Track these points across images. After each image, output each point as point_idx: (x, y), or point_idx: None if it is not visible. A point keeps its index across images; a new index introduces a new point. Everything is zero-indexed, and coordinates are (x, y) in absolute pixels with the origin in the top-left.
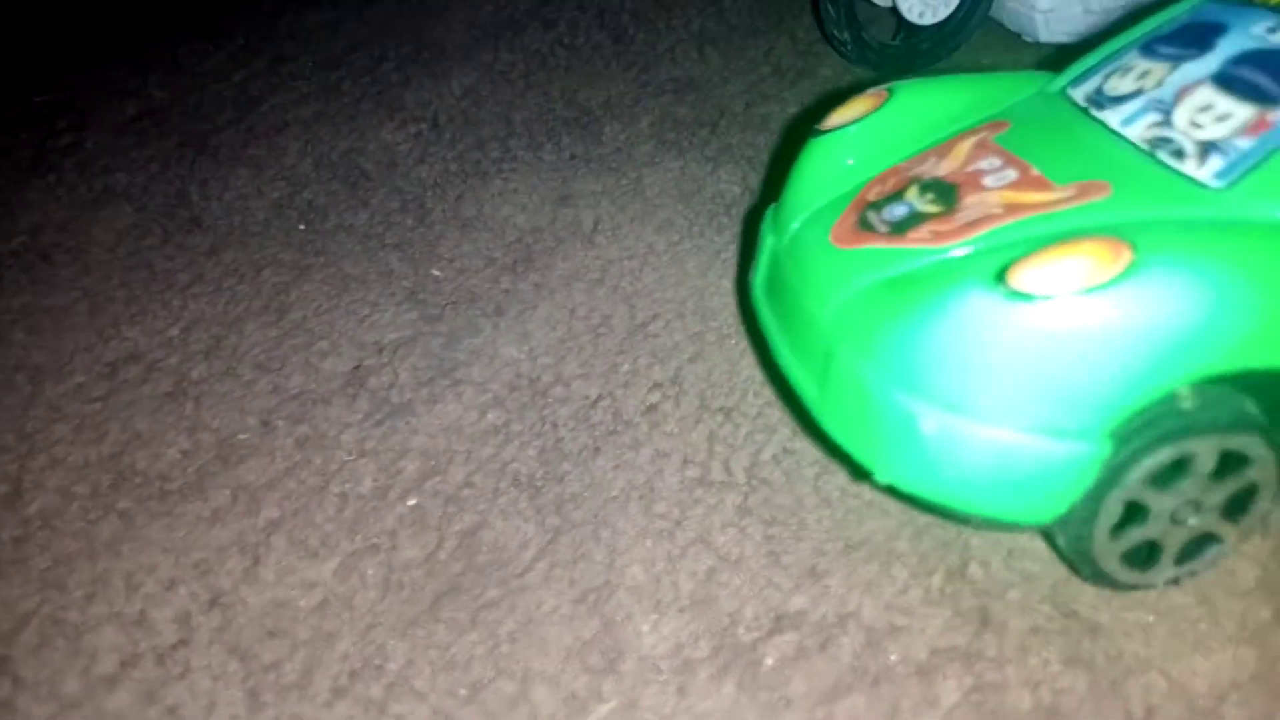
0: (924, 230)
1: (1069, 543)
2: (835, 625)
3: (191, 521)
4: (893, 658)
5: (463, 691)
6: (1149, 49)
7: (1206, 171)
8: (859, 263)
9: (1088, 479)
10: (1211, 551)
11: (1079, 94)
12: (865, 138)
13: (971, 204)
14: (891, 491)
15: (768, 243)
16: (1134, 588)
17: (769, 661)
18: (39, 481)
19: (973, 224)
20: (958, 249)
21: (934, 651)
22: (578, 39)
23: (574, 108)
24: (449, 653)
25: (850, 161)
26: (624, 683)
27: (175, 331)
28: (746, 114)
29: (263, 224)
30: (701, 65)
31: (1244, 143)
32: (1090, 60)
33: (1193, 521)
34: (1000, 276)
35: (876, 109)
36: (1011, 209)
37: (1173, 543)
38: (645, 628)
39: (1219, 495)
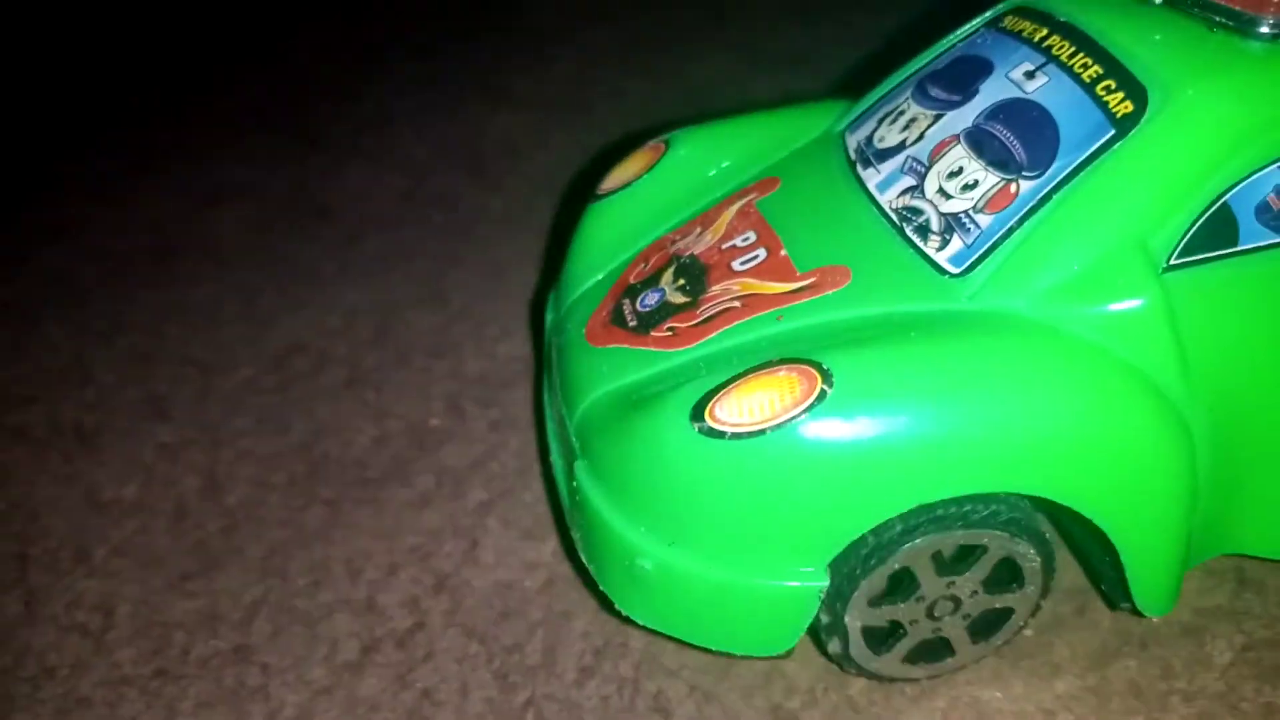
0: (666, 327)
1: (823, 621)
2: (1089, 591)
3: (399, 507)
4: (1154, 620)
5: (715, 666)
6: (921, 89)
7: (946, 254)
8: (606, 364)
9: (808, 612)
10: (939, 663)
11: (851, 143)
12: (643, 199)
13: (716, 293)
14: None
15: (547, 324)
16: (858, 667)
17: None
18: (232, 473)
19: (709, 322)
20: (686, 355)
21: (1197, 612)
22: (674, 18)
23: (680, 87)
24: None
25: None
26: None
27: (336, 321)
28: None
29: (396, 214)
30: (809, 38)
31: (985, 220)
32: (872, 97)
33: (944, 620)
34: (696, 411)
35: (652, 166)
36: (749, 303)
37: (914, 636)
38: None
39: (978, 606)
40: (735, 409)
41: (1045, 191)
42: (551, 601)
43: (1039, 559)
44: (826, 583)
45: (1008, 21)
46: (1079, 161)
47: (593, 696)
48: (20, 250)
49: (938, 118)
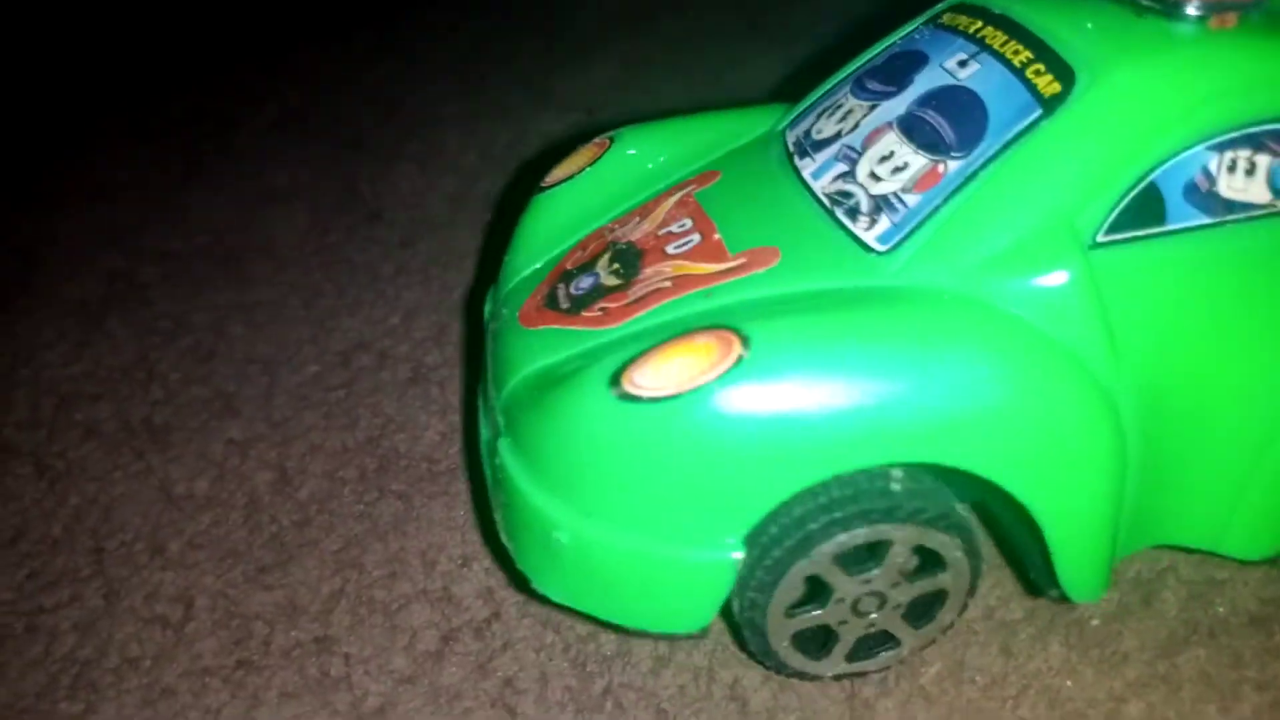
0: (598, 307)
1: (742, 610)
2: (1154, 581)
3: (469, 500)
4: (1220, 610)
5: None
6: (859, 84)
7: (874, 233)
8: (536, 345)
9: (724, 585)
10: (888, 653)
11: (791, 137)
12: (586, 193)
13: (648, 276)
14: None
15: (485, 313)
16: (801, 675)
17: (1094, 621)
18: (303, 468)
19: (640, 301)
20: (614, 333)
21: (1264, 602)
22: (711, 25)
23: (721, 89)
24: None
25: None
26: (941, 646)
27: (396, 320)
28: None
29: (447, 216)
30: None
31: (913, 199)
32: (812, 96)
33: (874, 616)
34: (614, 378)
35: (597, 160)
36: (679, 283)
37: (849, 635)
38: None
39: (907, 594)
40: (653, 374)
41: (972, 170)
42: None
43: (957, 540)
44: (743, 554)
45: (945, 18)
46: (1005, 140)
47: (669, 685)
48: (82, 251)
49: (872, 108)
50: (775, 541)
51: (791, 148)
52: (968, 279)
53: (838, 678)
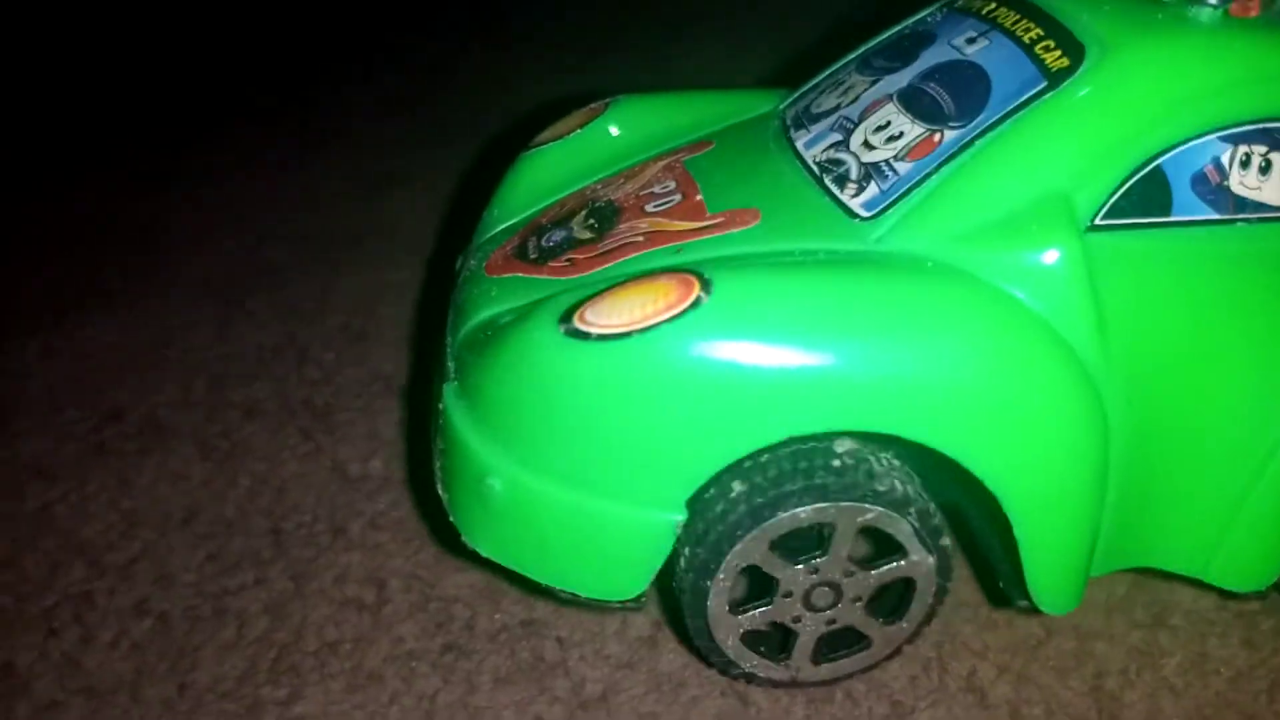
0: (565, 259)
1: (682, 596)
2: None
3: None
4: None
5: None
6: (865, 62)
7: (860, 200)
8: (496, 291)
9: (660, 550)
10: (860, 652)
11: (789, 114)
12: (574, 155)
13: (622, 231)
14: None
15: (457, 267)
16: (755, 679)
17: None
18: None
19: (608, 254)
20: (577, 281)
21: None
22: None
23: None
24: None
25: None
26: (1179, 636)
27: None
28: None
29: None
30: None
31: (904, 167)
32: (817, 77)
33: (831, 611)
34: (565, 315)
35: (589, 124)
36: (652, 239)
37: (807, 633)
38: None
39: (864, 585)
40: (606, 311)
41: (967, 139)
42: None
43: (910, 519)
44: (684, 517)
45: (961, 3)
46: (1006, 111)
47: (899, 677)
48: (204, 232)
49: (874, 82)
50: (716, 517)
51: (789, 121)
52: (954, 249)
53: (804, 685)
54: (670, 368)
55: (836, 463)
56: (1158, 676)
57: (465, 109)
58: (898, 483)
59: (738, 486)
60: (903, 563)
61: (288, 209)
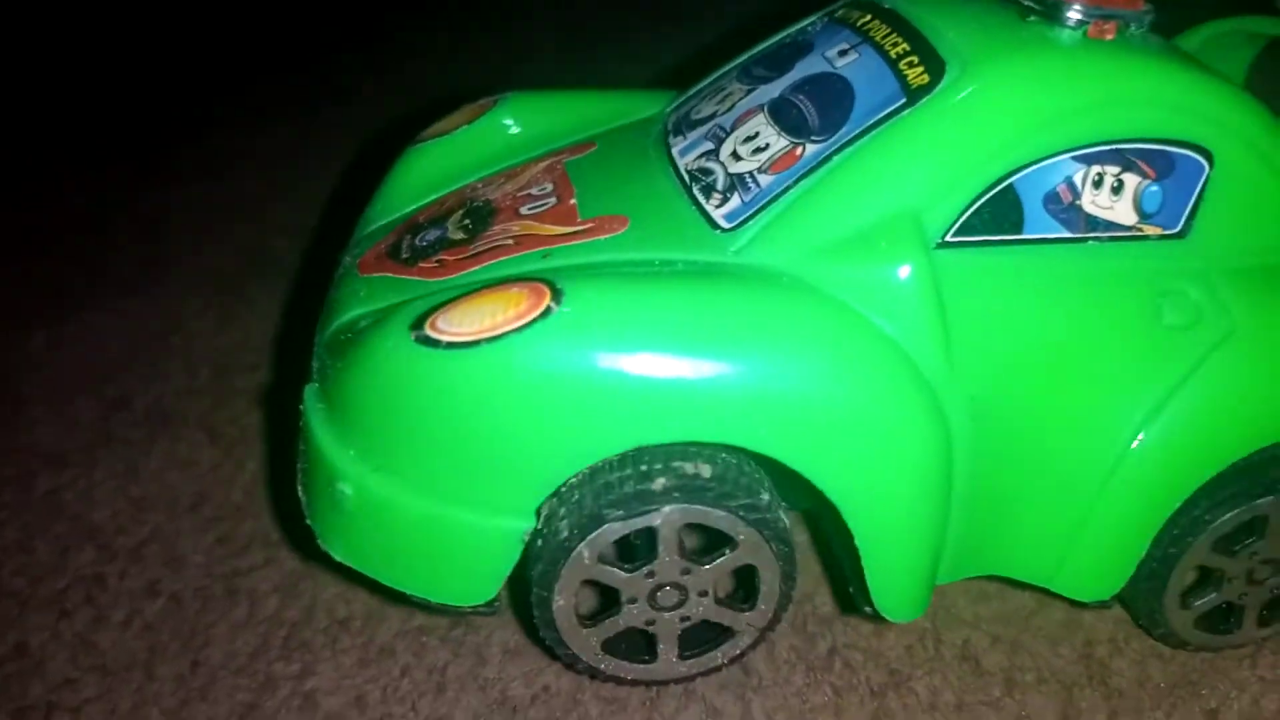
0: (435, 260)
1: (538, 619)
2: None
3: None
4: None
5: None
6: (746, 70)
7: (723, 211)
8: (364, 291)
9: (508, 557)
10: (727, 645)
11: (671, 119)
12: (460, 151)
13: (495, 233)
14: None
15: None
16: (637, 682)
17: None
18: None
19: (477, 256)
20: (442, 284)
21: None
22: None
23: None
24: None
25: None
26: None
27: None
28: None
29: None
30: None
31: (766, 180)
32: (704, 81)
33: (684, 610)
34: (418, 321)
35: (476, 120)
36: (522, 242)
37: (666, 632)
38: None
39: (706, 579)
40: (457, 319)
41: (826, 154)
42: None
43: (724, 508)
44: (532, 525)
45: (840, 13)
46: (865, 127)
47: (895, 646)
48: (208, 223)
49: (749, 91)
50: (555, 530)
51: (669, 126)
52: (807, 263)
53: (670, 682)
54: (517, 377)
55: (644, 467)
56: (1145, 644)
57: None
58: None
59: (569, 500)
60: (733, 551)
61: (290, 202)
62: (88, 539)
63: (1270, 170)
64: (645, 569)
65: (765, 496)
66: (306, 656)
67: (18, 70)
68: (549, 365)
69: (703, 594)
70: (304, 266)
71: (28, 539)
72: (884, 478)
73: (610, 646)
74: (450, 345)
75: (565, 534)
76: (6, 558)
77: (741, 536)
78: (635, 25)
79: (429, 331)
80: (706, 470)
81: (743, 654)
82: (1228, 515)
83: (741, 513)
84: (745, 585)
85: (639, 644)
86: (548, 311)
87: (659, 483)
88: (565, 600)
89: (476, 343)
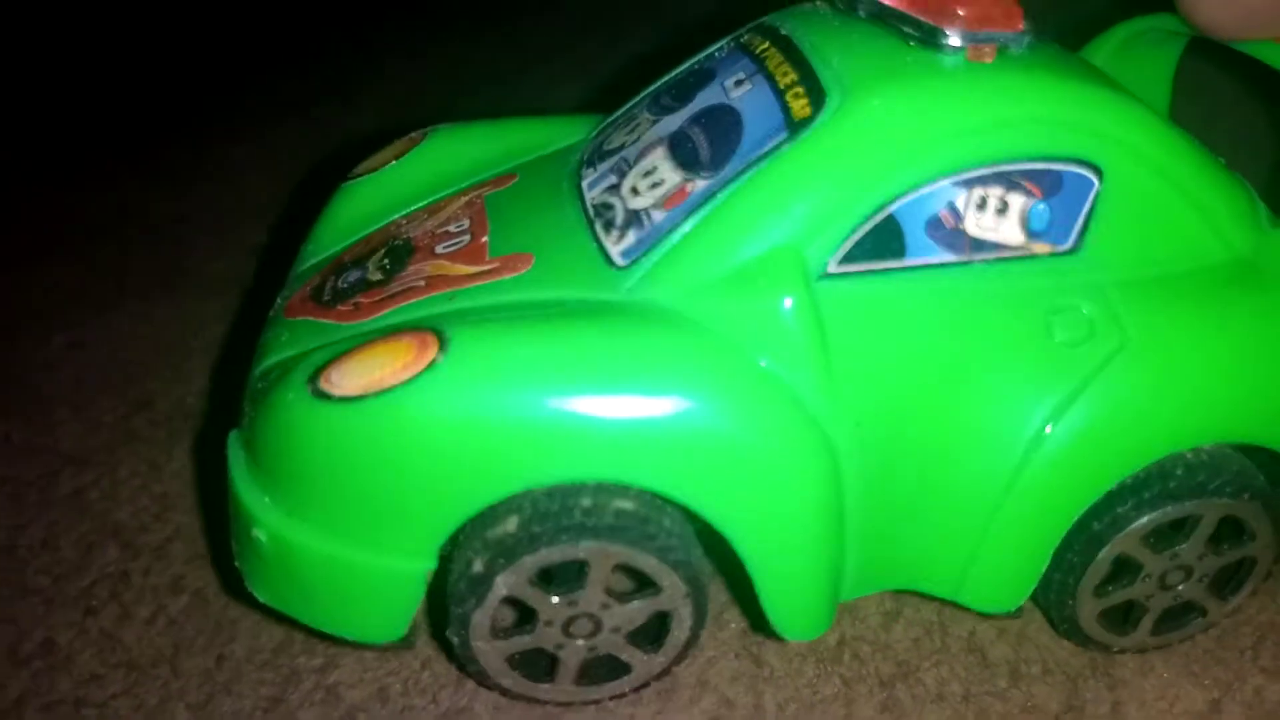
0: (352, 302)
1: (452, 621)
2: None
3: None
4: None
5: None
6: (656, 99)
7: (620, 248)
8: (285, 336)
9: (414, 595)
10: (621, 678)
11: (587, 150)
12: (390, 186)
13: (410, 274)
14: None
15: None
16: (524, 698)
17: None
18: None
19: (391, 298)
20: (354, 329)
21: None
22: None
23: None
24: None
25: None
26: None
27: None
28: None
29: None
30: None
31: (659, 215)
32: (620, 110)
33: (591, 639)
34: (314, 375)
35: (404, 154)
36: (432, 283)
37: (571, 658)
38: None
39: (621, 616)
40: (348, 373)
41: (712, 191)
42: None
43: (654, 554)
44: (433, 566)
45: (744, 38)
46: (749, 162)
47: (902, 639)
48: (219, 228)
49: (654, 123)
50: (479, 548)
51: (584, 158)
52: (693, 300)
53: (561, 704)
54: (405, 428)
55: (587, 502)
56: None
57: (484, 110)
58: (644, 523)
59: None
60: (657, 597)
61: (300, 203)
62: (112, 537)
63: (1164, 180)
64: (569, 597)
65: (690, 547)
66: (329, 650)
67: (38, 74)
68: (434, 415)
69: (615, 629)
70: None
71: (53, 538)
72: (767, 509)
73: (514, 661)
74: (342, 399)
75: (481, 568)
76: (32, 556)
77: (665, 583)
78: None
79: (322, 385)
80: (629, 506)
81: (633, 690)
82: (1153, 514)
83: (672, 562)
84: (656, 627)
85: (540, 664)
86: (433, 363)
87: (591, 519)
88: (483, 616)
89: (363, 396)
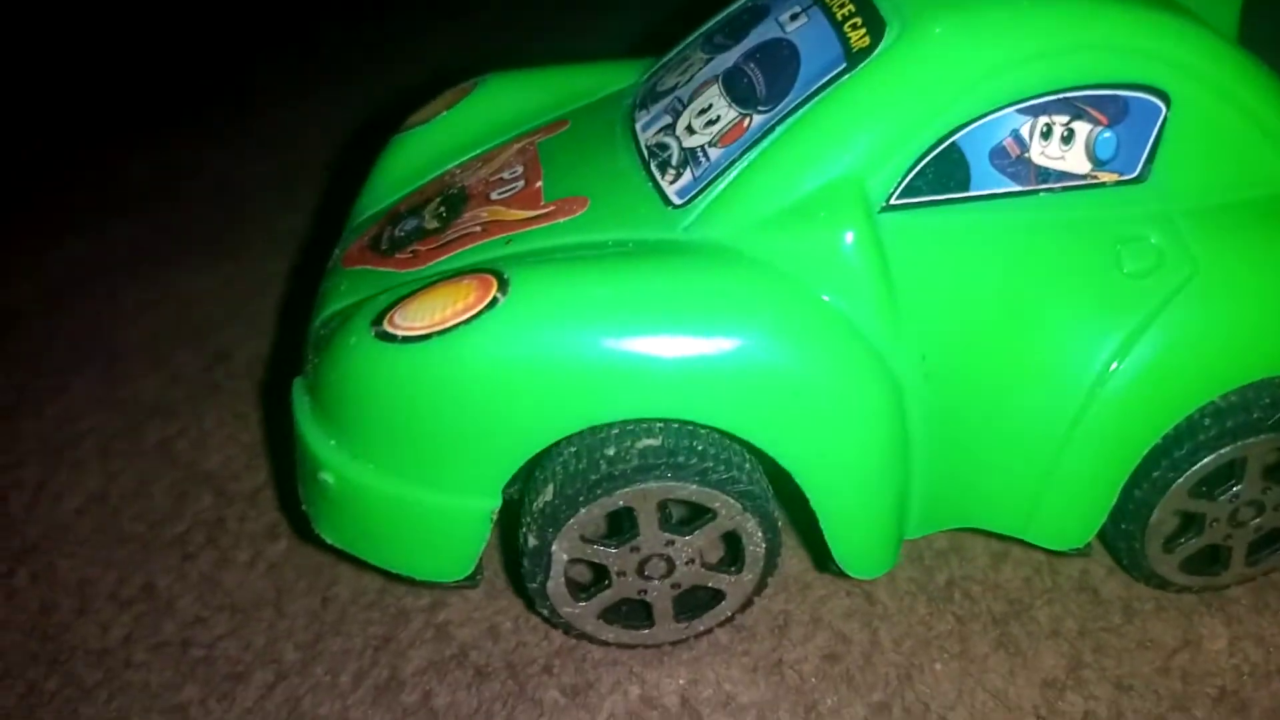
0: (409, 250)
1: (534, 595)
2: None
3: None
4: None
5: None
6: (708, 38)
7: (676, 187)
8: (345, 285)
9: (479, 534)
10: (716, 607)
11: (640, 92)
12: (444, 136)
13: (465, 220)
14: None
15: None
16: (553, 616)
17: None
18: None
19: (447, 245)
20: (413, 275)
21: None
22: None
23: None
24: None
25: None
26: None
27: None
28: None
29: None
30: None
31: (716, 153)
32: (671, 52)
33: (671, 578)
34: (379, 317)
35: (456, 104)
36: (489, 229)
37: (660, 600)
38: None
39: (689, 547)
40: (412, 314)
41: (769, 125)
42: None
43: (694, 481)
44: (498, 504)
45: None
46: (806, 95)
47: (1013, 579)
48: (280, 189)
49: (708, 61)
50: (523, 536)
51: (636, 100)
52: (752, 236)
53: (675, 643)
54: (469, 367)
55: (611, 451)
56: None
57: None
58: (673, 455)
59: (547, 487)
60: (715, 521)
61: (357, 160)
62: (203, 484)
63: (1232, 105)
64: (630, 544)
65: (735, 465)
66: (435, 591)
67: (70, 49)
68: (497, 354)
69: (689, 562)
70: None
71: (144, 486)
72: (832, 444)
73: (608, 616)
74: (406, 339)
75: (535, 541)
76: (124, 505)
77: (718, 505)
78: None
79: (387, 327)
80: (654, 444)
81: (733, 616)
82: (1203, 460)
83: (715, 483)
84: (733, 550)
85: (637, 610)
86: (494, 303)
87: (618, 466)
88: (556, 585)
89: (428, 336)
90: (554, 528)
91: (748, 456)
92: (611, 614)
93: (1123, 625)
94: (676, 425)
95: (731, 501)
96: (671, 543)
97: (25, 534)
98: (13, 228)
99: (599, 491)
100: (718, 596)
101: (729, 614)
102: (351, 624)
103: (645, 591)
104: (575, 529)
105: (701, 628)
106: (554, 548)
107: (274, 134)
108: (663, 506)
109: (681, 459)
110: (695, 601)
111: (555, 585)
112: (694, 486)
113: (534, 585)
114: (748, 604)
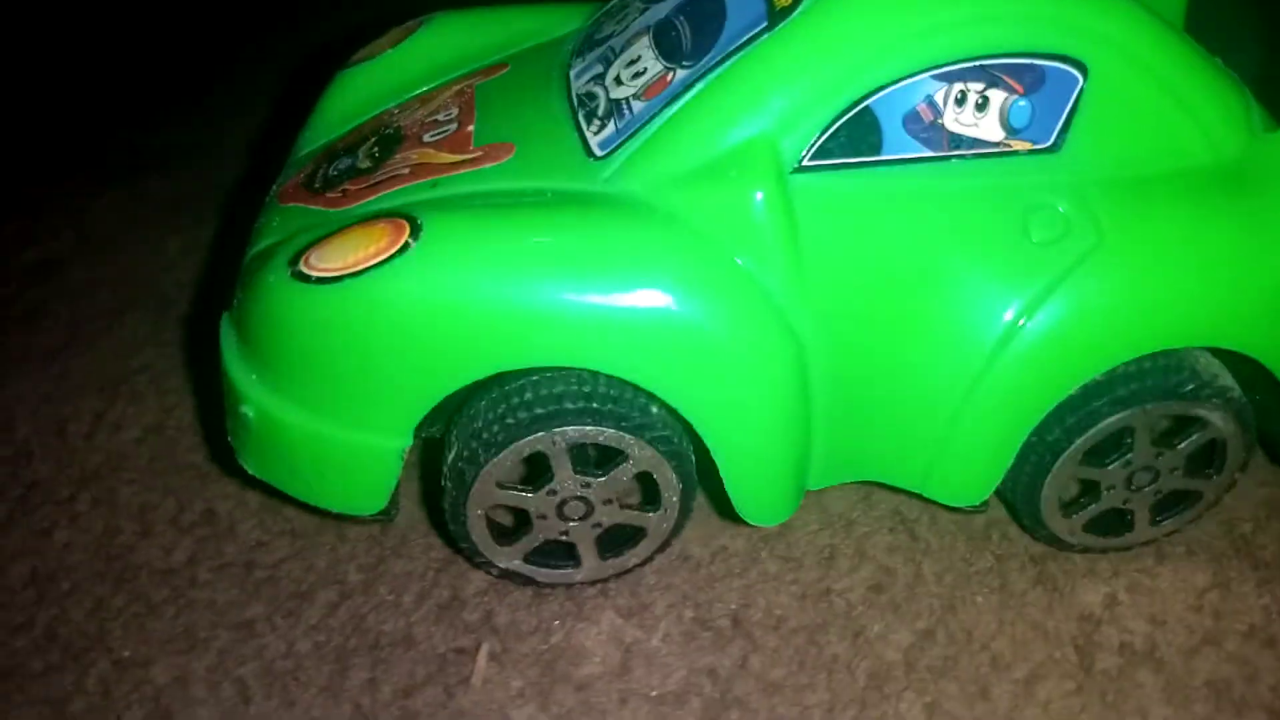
0: (340, 189)
1: (458, 538)
2: None
3: None
4: None
5: None
6: None
7: (599, 138)
8: (276, 222)
9: (391, 472)
10: (640, 543)
11: (579, 39)
12: (386, 74)
13: (397, 161)
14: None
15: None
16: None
17: None
18: None
19: (376, 185)
20: (339, 215)
21: None
22: None
23: None
24: None
25: None
26: None
27: None
28: None
29: None
30: None
31: (639, 106)
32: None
33: (590, 519)
34: (295, 258)
35: (400, 42)
36: (416, 171)
37: (583, 539)
38: None
39: (605, 489)
40: (327, 256)
41: (690, 81)
42: None
43: (608, 426)
44: (409, 443)
45: None
46: (727, 52)
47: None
48: None
49: (643, 11)
50: (442, 493)
51: (575, 47)
52: (667, 192)
53: (601, 581)
54: (379, 310)
55: (516, 400)
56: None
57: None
58: (575, 399)
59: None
60: (625, 463)
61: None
62: None
63: (1150, 79)
64: (546, 488)
65: (646, 410)
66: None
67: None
68: (406, 298)
69: (607, 502)
70: None
71: (200, 418)
72: (731, 399)
73: (533, 558)
74: (319, 280)
75: (454, 493)
76: (181, 435)
77: (630, 448)
78: None
79: (303, 267)
80: (569, 390)
81: (656, 552)
82: (1094, 429)
83: (628, 429)
84: (649, 489)
85: (561, 551)
86: (405, 248)
87: (527, 412)
88: (478, 531)
89: (340, 278)
90: (473, 468)
91: (661, 403)
92: (538, 555)
93: (1155, 567)
94: (572, 372)
95: (644, 445)
96: (588, 485)
97: (85, 462)
98: (52, 182)
99: (511, 437)
100: (639, 534)
101: (652, 552)
102: (413, 548)
103: (566, 533)
104: (491, 475)
105: (627, 564)
106: (468, 502)
107: (292, 98)
108: (576, 450)
109: (596, 405)
110: (621, 537)
111: (480, 535)
112: (610, 431)
113: (456, 528)
114: (666, 545)
